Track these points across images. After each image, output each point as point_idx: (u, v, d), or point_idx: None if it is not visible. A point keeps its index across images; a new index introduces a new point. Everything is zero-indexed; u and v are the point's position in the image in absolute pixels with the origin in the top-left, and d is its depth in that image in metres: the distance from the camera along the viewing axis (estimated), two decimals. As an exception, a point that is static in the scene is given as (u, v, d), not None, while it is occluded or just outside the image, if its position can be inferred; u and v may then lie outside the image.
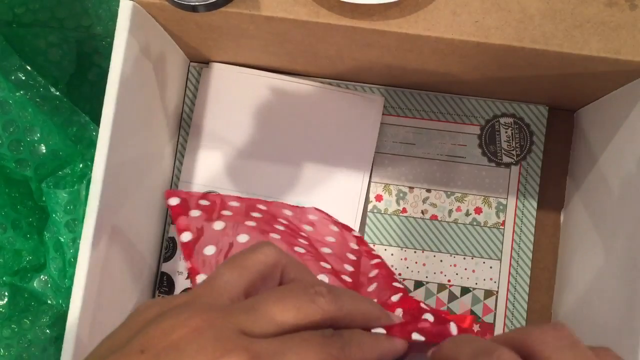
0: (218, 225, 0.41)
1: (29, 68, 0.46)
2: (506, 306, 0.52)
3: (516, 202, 0.53)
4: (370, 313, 0.27)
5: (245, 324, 0.23)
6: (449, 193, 0.53)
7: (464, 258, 0.53)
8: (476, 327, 0.52)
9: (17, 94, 0.45)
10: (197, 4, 0.37)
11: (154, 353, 0.21)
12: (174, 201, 0.40)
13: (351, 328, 0.25)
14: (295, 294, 0.24)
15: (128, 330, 0.23)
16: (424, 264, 0.53)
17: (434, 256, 0.53)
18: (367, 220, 0.53)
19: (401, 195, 0.53)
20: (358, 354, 0.24)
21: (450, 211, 0.53)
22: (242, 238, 0.40)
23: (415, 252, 0.53)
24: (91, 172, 0.39)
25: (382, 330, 0.27)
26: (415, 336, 0.29)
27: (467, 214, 0.53)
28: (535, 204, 0.53)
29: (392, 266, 0.53)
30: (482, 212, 0.53)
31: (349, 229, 0.49)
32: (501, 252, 0.53)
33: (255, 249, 0.26)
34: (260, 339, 0.22)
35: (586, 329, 0.46)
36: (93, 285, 0.40)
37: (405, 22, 0.38)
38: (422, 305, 0.36)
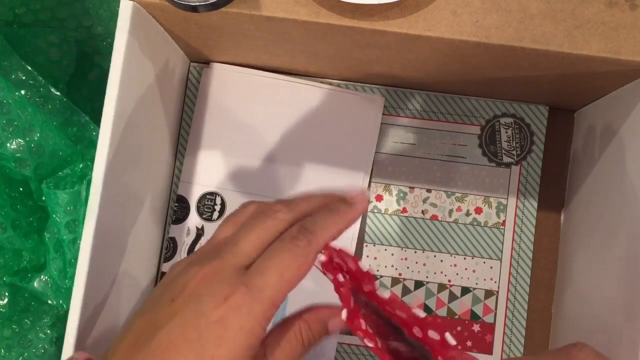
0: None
1: (29, 68, 0.46)
2: (506, 306, 0.52)
3: (516, 202, 0.53)
4: (327, 204, 0.33)
5: (236, 261, 0.30)
6: (449, 193, 0.53)
7: (464, 258, 0.53)
8: (477, 327, 0.52)
9: (17, 93, 0.45)
10: (197, 4, 0.37)
11: (180, 300, 0.29)
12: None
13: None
14: (260, 219, 0.32)
15: (161, 287, 0.31)
16: (424, 264, 0.53)
17: (434, 256, 0.53)
18: (368, 221, 0.53)
19: (401, 195, 0.53)
20: (324, 236, 0.31)
21: (450, 211, 0.53)
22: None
23: (415, 252, 0.53)
24: (91, 172, 0.39)
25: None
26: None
27: (468, 214, 0.53)
28: (535, 204, 0.53)
29: (393, 266, 0.53)
30: (482, 212, 0.53)
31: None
32: (501, 252, 0.53)
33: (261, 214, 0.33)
34: (249, 270, 0.30)
35: (586, 329, 0.46)
36: (93, 285, 0.40)
37: (405, 22, 0.38)
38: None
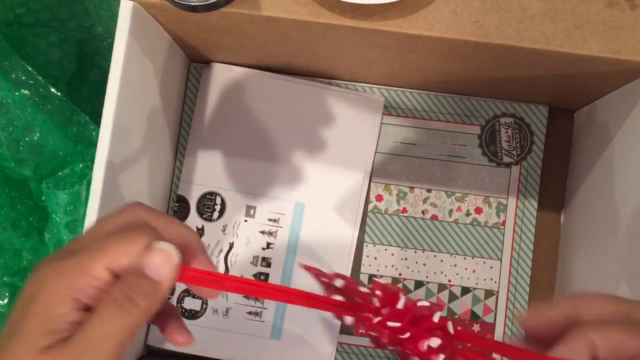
0: None
1: (29, 68, 0.46)
2: (506, 306, 0.52)
3: (516, 202, 0.53)
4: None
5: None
6: (449, 193, 0.53)
7: (465, 258, 0.53)
8: (476, 327, 0.52)
9: (17, 93, 0.45)
10: (197, 4, 0.37)
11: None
12: None
13: None
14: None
15: None
16: (424, 264, 0.53)
17: (435, 256, 0.53)
18: (368, 220, 0.53)
19: (401, 195, 0.53)
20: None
21: (450, 211, 0.53)
22: None
23: (415, 252, 0.53)
24: (91, 172, 0.39)
25: None
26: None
27: (468, 214, 0.53)
28: (535, 204, 0.53)
29: (393, 266, 0.53)
30: (482, 212, 0.53)
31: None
32: (501, 252, 0.53)
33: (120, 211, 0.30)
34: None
35: (586, 328, 0.46)
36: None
37: (405, 22, 0.38)
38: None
